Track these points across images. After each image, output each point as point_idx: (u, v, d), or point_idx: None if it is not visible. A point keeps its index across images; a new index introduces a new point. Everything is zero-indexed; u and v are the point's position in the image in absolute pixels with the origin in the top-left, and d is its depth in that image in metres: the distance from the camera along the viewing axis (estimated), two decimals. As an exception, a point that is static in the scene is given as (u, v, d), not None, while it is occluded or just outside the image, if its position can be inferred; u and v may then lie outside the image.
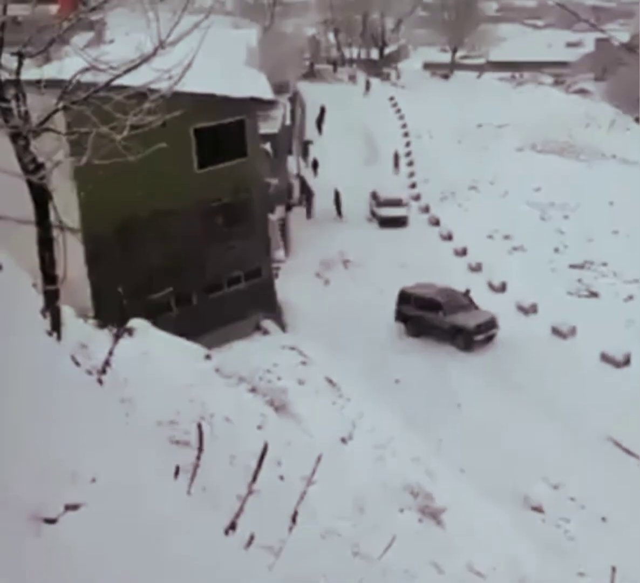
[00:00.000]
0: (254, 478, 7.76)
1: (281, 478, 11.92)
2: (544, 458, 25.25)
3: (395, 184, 54.28)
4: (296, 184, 51.10)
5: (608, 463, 25.61)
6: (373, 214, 50.17)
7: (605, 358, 32.40)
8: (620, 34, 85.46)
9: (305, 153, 58.20)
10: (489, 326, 33.96)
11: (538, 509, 23.31)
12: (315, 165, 54.36)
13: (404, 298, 35.42)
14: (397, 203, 49.87)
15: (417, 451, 20.46)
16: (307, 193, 49.63)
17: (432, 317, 34.19)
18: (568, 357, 32.46)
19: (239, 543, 7.49)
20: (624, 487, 24.00)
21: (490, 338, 33.98)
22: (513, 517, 20.64)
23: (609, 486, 24.05)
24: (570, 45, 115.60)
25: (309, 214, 49.34)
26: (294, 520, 8.63)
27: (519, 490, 23.60)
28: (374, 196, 50.76)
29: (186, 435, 9.73)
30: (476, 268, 41.94)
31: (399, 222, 48.56)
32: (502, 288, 39.40)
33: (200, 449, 7.75)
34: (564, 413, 27.85)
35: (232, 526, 7.49)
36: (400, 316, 35.56)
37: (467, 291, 35.98)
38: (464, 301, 35.32)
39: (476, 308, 35.01)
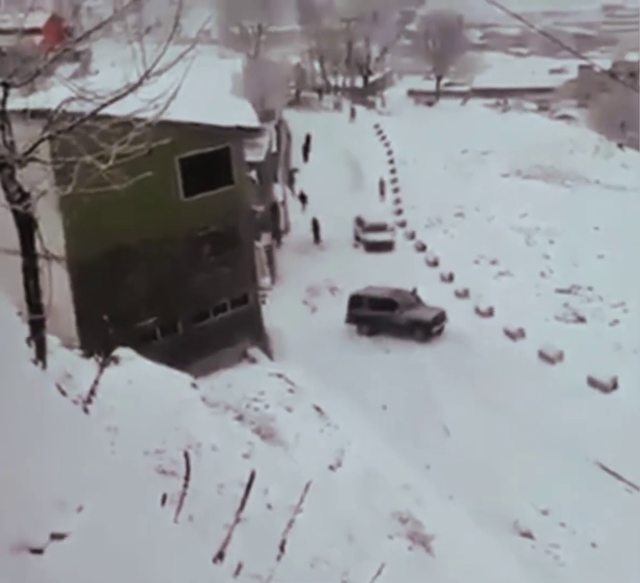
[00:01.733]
0: (242, 507, 7.73)
1: (269, 506, 11.88)
2: (533, 483, 25.20)
3: (381, 210, 54.51)
4: (283, 211, 51.29)
5: (597, 488, 25.56)
6: (358, 239, 50.38)
7: (592, 382, 32.44)
8: (602, 61, 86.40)
9: (291, 181, 58.41)
10: (441, 319, 37.12)
11: (528, 535, 23.22)
12: (303, 198, 54.37)
13: (356, 301, 37.94)
14: (382, 228, 50.22)
15: (405, 478, 20.39)
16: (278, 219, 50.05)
17: (389, 315, 36.81)
18: (555, 382, 32.48)
19: (228, 572, 7.44)
20: (613, 512, 23.95)
21: (441, 330, 37.01)
22: (503, 543, 20.56)
23: (599, 512, 23.99)
24: (553, 72, 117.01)
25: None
26: (282, 548, 8.59)
27: (508, 516, 23.52)
28: (359, 221, 51.05)
29: (173, 464, 9.69)
30: (463, 294, 42.03)
31: (384, 246, 48.75)
32: (490, 313, 39.49)
33: (187, 478, 7.72)
34: (552, 438, 27.82)
35: (220, 555, 7.44)
36: (353, 318, 37.90)
37: (414, 290, 38.96)
38: (414, 300, 38.32)
39: (424, 305, 37.90)
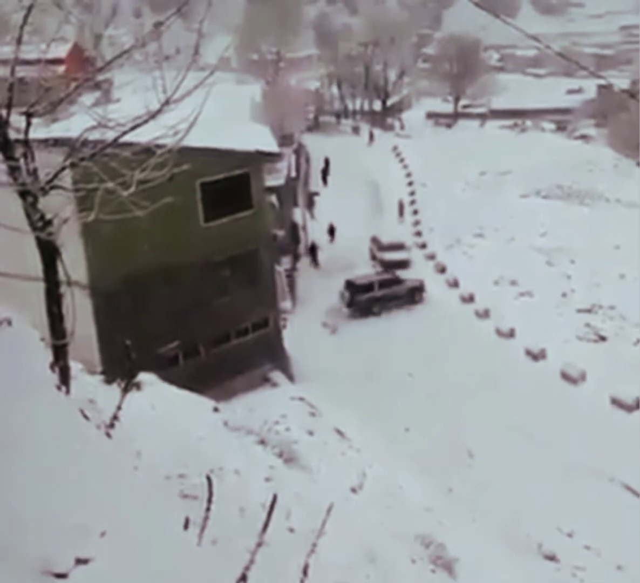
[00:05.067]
0: (264, 530, 7.76)
1: (291, 530, 11.85)
2: (557, 505, 25.02)
3: (401, 232, 54.54)
4: (303, 236, 51.42)
5: (622, 510, 25.35)
6: (374, 258, 50.71)
7: (615, 402, 32.26)
8: (620, 81, 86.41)
9: (311, 205, 58.55)
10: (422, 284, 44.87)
11: (552, 558, 23.01)
12: (331, 231, 53.51)
13: (363, 288, 43.19)
14: (399, 247, 50.55)
15: (428, 501, 20.30)
16: (298, 242, 50.10)
17: (391, 291, 43.40)
18: (578, 402, 32.31)
19: (250, 596, 7.44)
20: (638, 534, 23.72)
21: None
22: (527, 567, 20.40)
23: (624, 533, 23.76)
24: (571, 92, 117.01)
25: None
26: (305, 572, 8.59)
27: (532, 539, 23.34)
28: (375, 240, 51.53)
29: (195, 489, 9.71)
30: (483, 314, 41.95)
31: (401, 265, 48.86)
32: (511, 333, 39.38)
33: (210, 501, 7.76)
34: (576, 459, 27.65)
35: (243, 578, 7.46)
36: (355, 303, 42.88)
37: (394, 272, 45.84)
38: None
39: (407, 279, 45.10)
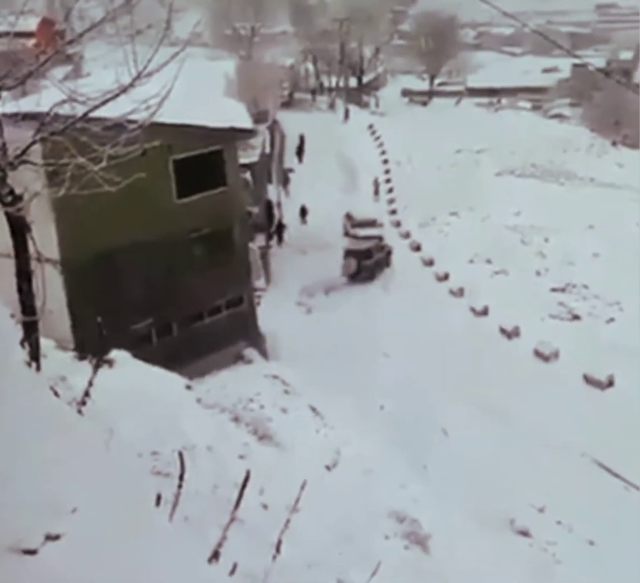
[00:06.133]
0: (237, 506, 7.74)
1: (265, 506, 11.88)
2: (529, 482, 25.23)
3: (376, 210, 54.52)
4: (277, 213, 51.18)
5: (593, 486, 25.64)
6: (347, 234, 50.68)
7: (588, 380, 32.53)
8: (596, 60, 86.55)
9: (285, 181, 58.30)
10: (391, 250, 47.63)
11: (525, 533, 23.22)
12: (303, 212, 53.05)
13: (363, 254, 44.87)
14: (371, 224, 50.51)
15: (402, 478, 20.40)
16: (271, 219, 49.61)
17: (381, 255, 46.06)
18: (551, 380, 32.54)
19: (223, 572, 7.44)
20: (610, 510, 24.00)
21: None
22: (500, 542, 20.58)
23: (596, 509, 24.03)
24: (546, 71, 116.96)
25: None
26: (278, 549, 8.58)
27: (505, 515, 23.53)
28: (349, 217, 51.67)
29: (168, 466, 9.69)
30: (458, 293, 42.09)
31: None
32: (485, 311, 39.55)
33: (182, 478, 7.73)
34: (549, 436, 27.88)
35: (216, 555, 7.44)
36: (363, 270, 44.60)
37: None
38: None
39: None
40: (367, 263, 44.85)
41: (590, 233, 49.17)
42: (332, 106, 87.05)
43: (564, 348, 34.77)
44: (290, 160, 64.62)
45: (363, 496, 17.98)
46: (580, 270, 44.32)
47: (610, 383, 32.29)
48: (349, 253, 45.10)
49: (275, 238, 49.32)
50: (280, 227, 49.77)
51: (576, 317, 39.69)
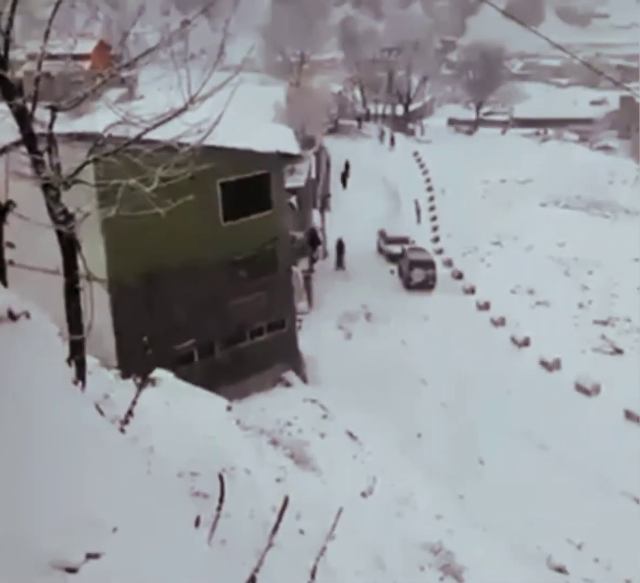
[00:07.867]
0: (274, 531, 7.72)
1: (301, 532, 11.82)
2: (567, 517, 24.86)
3: (418, 238, 54.45)
4: (322, 238, 51.18)
5: (632, 524, 25.17)
6: (380, 250, 52.30)
7: (629, 415, 32.08)
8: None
9: (323, 207, 58.29)
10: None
11: (561, 570, 22.83)
12: (340, 248, 50.07)
13: (426, 265, 47.07)
14: (403, 241, 51.53)
15: (438, 508, 20.22)
16: (314, 245, 49.33)
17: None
18: (592, 414, 32.14)
19: (258, 597, 7.41)
20: (649, 549, 23.55)
21: None
22: (536, 578, 20.27)
23: (634, 547, 23.57)
24: (594, 103, 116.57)
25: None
26: (313, 575, 8.55)
27: (542, 550, 23.18)
28: (382, 234, 53.33)
29: (207, 487, 9.69)
30: (499, 322, 41.82)
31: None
32: (526, 343, 39.23)
33: (221, 501, 7.73)
34: (588, 471, 27.49)
35: (252, 579, 7.43)
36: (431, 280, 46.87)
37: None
38: None
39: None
40: (431, 272, 46.61)
41: (635, 266, 48.70)
42: (380, 135, 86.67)
43: (605, 381, 34.36)
44: (333, 186, 64.80)
45: (398, 526, 17.85)
46: (624, 303, 43.87)
47: (652, 420, 31.83)
48: (414, 264, 46.73)
49: (335, 262, 49.47)
50: (341, 248, 49.54)
51: (618, 351, 39.23)
